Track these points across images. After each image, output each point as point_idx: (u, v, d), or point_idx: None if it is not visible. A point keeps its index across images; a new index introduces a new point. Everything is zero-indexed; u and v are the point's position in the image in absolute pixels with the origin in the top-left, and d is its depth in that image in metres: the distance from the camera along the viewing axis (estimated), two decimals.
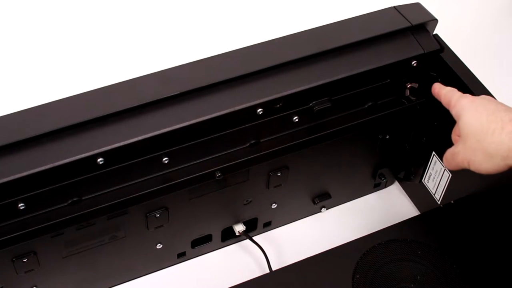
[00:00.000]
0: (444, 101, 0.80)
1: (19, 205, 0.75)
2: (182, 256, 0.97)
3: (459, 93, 0.78)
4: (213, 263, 0.98)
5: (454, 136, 0.79)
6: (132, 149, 0.77)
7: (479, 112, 0.73)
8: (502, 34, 1.35)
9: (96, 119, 0.76)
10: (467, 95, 0.77)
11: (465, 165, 0.74)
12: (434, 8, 0.93)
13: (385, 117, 0.92)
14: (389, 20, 0.89)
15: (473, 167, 0.73)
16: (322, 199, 1.01)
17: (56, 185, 0.76)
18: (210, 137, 0.82)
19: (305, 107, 0.86)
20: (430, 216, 0.96)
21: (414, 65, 0.89)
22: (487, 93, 0.85)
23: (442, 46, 0.89)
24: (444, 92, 0.80)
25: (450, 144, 0.95)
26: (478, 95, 0.85)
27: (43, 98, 0.79)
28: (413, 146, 0.99)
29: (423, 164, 0.99)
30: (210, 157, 0.84)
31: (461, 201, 0.92)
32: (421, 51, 0.88)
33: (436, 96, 0.82)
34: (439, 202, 0.98)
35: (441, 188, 0.96)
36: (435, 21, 0.90)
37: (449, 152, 0.77)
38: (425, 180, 1.00)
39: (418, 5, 0.92)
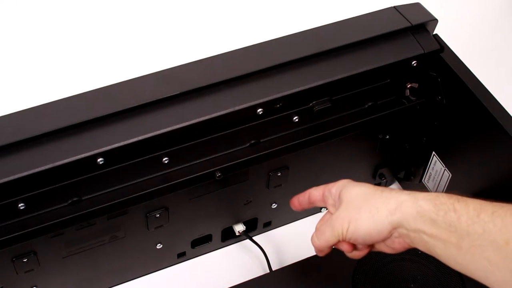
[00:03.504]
0: (317, 195, 0.75)
1: (19, 205, 0.75)
2: (182, 256, 0.97)
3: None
4: (213, 263, 0.98)
5: (322, 221, 0.73)
6: (132, 149, 0.77)
7: (362, 184, 0.71)
8: (502, 34, 1.35)
9: (96, 119, 0.76)
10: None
11: (344, 226, 0.68)
12: (434, 8, 0.93)
13: (385, 117, 0.92)
14: (389, 20, 0.89)
15: (353, 226, 0.68)
16: None
17: (56, 185, 0.76)
18: (210, 137, 0.82)
19: (305, 107, 0.86)
20: None
21: (414, 65, 0.89)
22: (487, 93, 0.85)
23: (442, 46, 0.89)
24: (311, 191, 0.76)
25: (450, 144, 0.95)
26: (479, 94, 0.85)
27: (43, 98, 0.79)
28: (413, 146, 0.99)
29: (423, 164, 0.99)
30: (210, 157, 0.84)
31: None
32: (421, 51, 0.88)
33: (304, 204, 0.78)
34: None
35: (441, 188, 0.96)
36: (435, 21, 0.90)
37: (321, 223, 0.73)
38: (425, 180, 1.00)
39: (418, 5, 0.92)
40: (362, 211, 0.68)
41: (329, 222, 0.70)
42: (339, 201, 0.71)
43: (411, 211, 0.64)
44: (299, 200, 0.78)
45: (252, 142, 0.86)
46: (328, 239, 0.71)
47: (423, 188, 1.01)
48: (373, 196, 0.68)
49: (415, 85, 0.92)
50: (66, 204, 0.78)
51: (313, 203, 0.77)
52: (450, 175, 0.94)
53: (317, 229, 0.73)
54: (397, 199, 0.66)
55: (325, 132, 0.89)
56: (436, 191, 0.98)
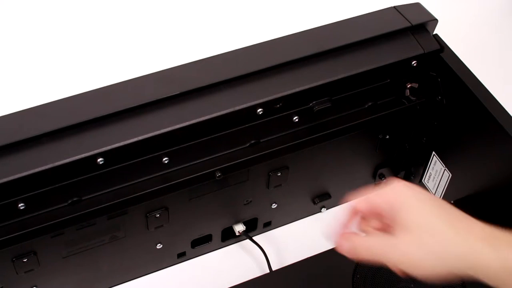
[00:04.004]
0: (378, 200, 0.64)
1: (19, 205, 0.75)
2: (182, 256, 0.97)
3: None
4: (213, 263, 0.98)
5: (366, 227, 0.65)
6: (132, 149, 0.77)
7: (431, 205, 0.60)
8: (502, 34, 1.35)
9: (96, 119, 0.76)
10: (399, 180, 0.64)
11: (395, 260, 0.61)
12: (434, 8, 0.93)
13: (385, 117, 0.92)
14: (389, 20, 0.89)
15: (407, 264, 0.60)
16: (322, 199, 1.01)
17: (56, 185, 0.76)
18: (210, 137, 0.82)
19: (305, 107, 0.86)
20: None
21: (414, 65, 0.89)
22: (487, 93, 0.85)
23: (442, 46, 0.89)
24: (371, 196, 0.65)
25: (450, 144, 0.94)
26: (479, 94, 0.85)
27: (43, 98, 0.79)
28: (413, 146, 0.99)
29: (423, 164, 0.99)
30: (210, 157, 0.84)
31: (461, 201, 0.92)
32: (421, 51, 0.88)
33: (369, 208, 0.65)
34: None
35: (441, 188, 0.96)
36: (435, 21, 0.90)
37: (362, 243, 0.63)
38: (425, 180, 1.00)
39: (418, 5, 0.92)
40: (423, 249, 0.59)
41: (384, 241, 0.62)
42: (386, 215, 0.62)
43: (494, 264, 0.57)
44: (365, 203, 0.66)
45: (252, 142, 0.86)
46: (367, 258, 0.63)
47: (423, 188, 1.01)
48: (445, 234, 0.59)
49: (415, 85, 0.92)
50: (66, 204, 0.78)
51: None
52: (450, 175, 0.94)
53: (355, 247, 0.64)
54: (473, 249, 0.58)
55: (325, 132, 0.89)
56: (436, 191, 0.98)
